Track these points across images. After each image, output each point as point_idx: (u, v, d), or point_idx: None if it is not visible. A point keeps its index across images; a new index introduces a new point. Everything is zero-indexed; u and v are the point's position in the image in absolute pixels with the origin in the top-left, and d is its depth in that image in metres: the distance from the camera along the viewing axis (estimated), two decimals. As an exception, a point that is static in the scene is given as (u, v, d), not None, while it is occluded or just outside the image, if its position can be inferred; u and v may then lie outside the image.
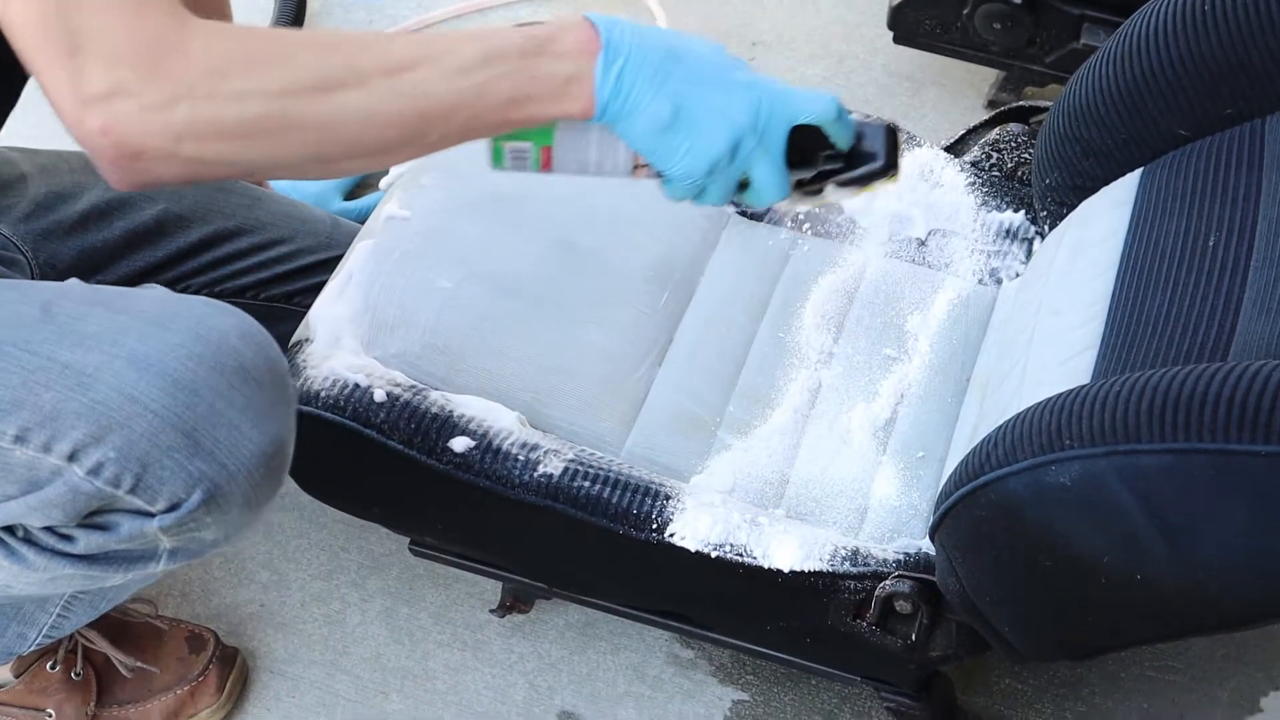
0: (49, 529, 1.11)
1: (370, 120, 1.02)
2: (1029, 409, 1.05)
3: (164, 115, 0.96)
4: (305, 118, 1.00)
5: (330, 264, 1.46)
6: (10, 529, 1.12)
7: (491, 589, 1.48)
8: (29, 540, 1.12)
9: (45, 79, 0.97)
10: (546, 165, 1.13)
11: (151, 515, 1.09)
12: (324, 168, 1.06)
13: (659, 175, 1.13)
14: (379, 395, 1.24)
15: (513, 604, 1.45)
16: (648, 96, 1.06)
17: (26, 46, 0.97)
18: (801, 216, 1.44)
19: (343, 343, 1.29)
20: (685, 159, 1.09)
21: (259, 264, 1.48)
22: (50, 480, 1.07)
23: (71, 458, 1.06)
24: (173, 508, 1.08)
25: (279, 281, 1.48)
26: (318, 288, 1.43)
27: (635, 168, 1.14)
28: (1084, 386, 1.03)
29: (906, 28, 1.87)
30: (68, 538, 1.11)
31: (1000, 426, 1.06)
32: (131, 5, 0.96)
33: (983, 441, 1.07)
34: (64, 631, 1.33)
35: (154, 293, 1.17)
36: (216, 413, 1.07)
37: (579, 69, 1.05)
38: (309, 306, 1.36)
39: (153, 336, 1.08)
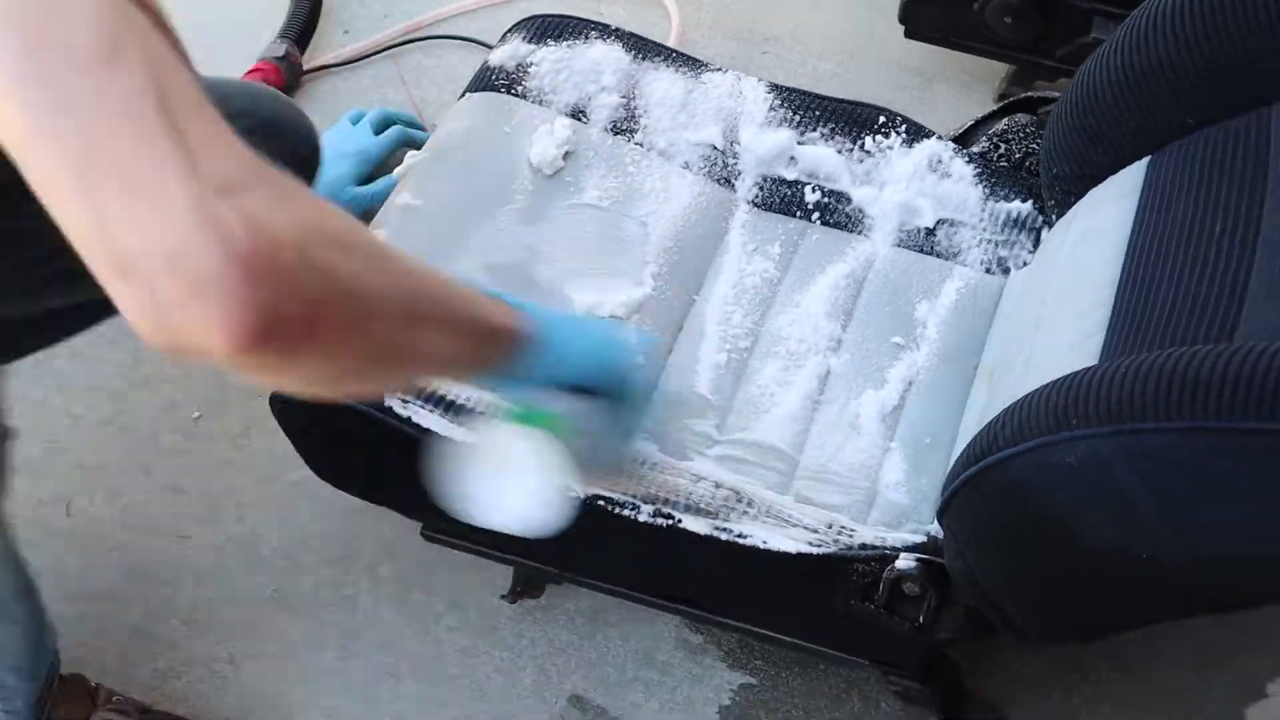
0: None
1: (430, 278, 0.94)
2: (1035, 390, 1.06)
3: (293, 214, 0.80)
4: (384, 250, 0.92)
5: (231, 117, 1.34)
6: None
7: (503, 574, 1.49)
8: None
9: (142, 189, 0.76)
10: None
11: None
12: (411, 330, 0.92)
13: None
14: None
15: (524, 589, 1.46)
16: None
17: (115, 164, 0.76)
18: (811, 206, 1.45)
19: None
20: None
21: None
22: None
23: None
24: None
25: None
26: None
27: None
28: (1090, 368, 1.03)
29: (918, 22, 1.88)
30: None
31: (1008, 408, 1.07)
32: (216, 113, 0.81)
33: (990, 423, 1.08)
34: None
35: None
36: None
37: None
38: None
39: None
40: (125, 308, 0.76)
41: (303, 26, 2.07)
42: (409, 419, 1.24)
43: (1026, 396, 1.06)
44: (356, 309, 0.85)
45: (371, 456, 1.31)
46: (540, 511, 1.03)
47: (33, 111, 0.76)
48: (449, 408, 1.25)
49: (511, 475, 1.03)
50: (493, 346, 1.01)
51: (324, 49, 2.08)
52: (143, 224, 0.75)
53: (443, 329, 0.95)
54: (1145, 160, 1.31)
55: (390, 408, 1.24)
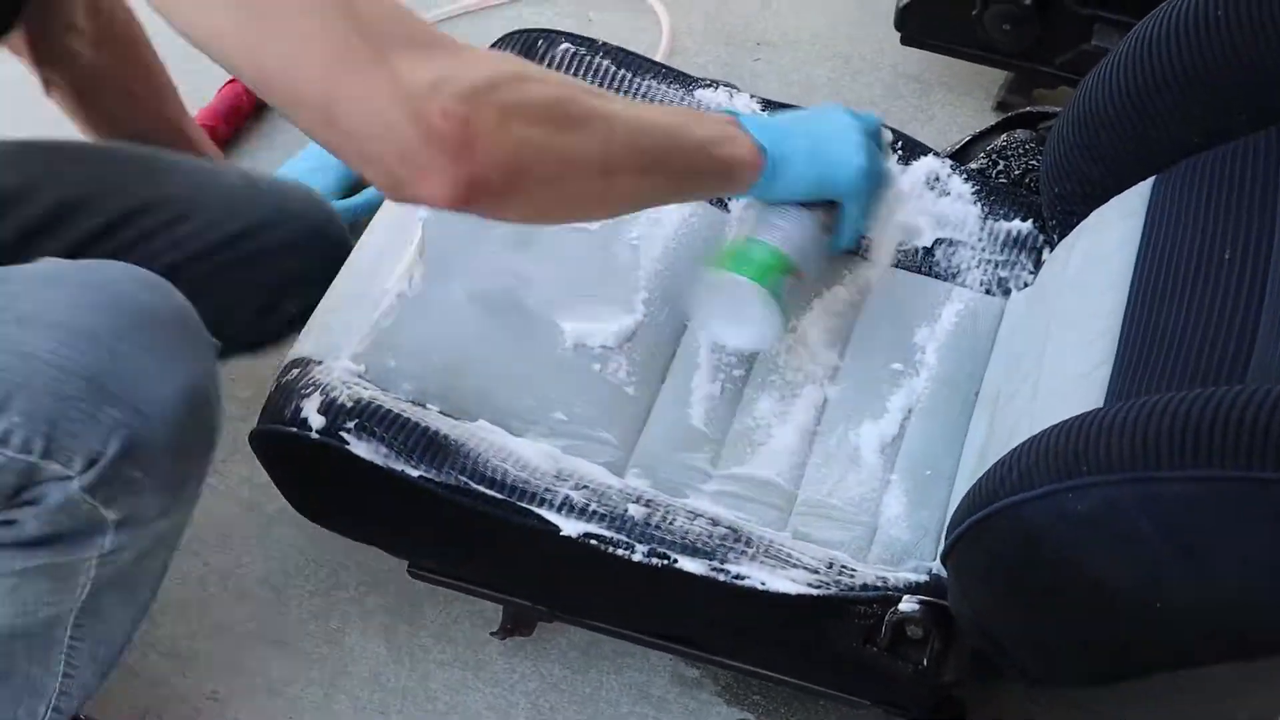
0: None
1: (634, 124, 1.10)
2: (1044, 432, 1.02)
3: (489, 95, 0.97)
4: (592, 108, 1.06)
5: (247, 235, 1.38)
6: None
7: (493, 609, 1.45)
8: None
9: (355, 92, 0.93)
10: (799, 275, 1.29)
11: (71, 478, 1.04)
12: (605, 179, 1.09)
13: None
14: (376, 414, 1.21)
15: (514, 627, 1.43)
16: (786, 141, 1.25)
17: (313, 72, 0.94)
18: None
19: (341, 356, 1.27)
20: (843, 177, 1.27)
21: (170, 244, 1.36)
22: None
23: None
24: (91, 463, 1.04)
25: (195, 260, 1.37)
26: (238, 262, 1.37)
27: (825, 232, 1.31)
28: (1101, 410, 1.00)
29: (914, 28, 1.84)
30: (9, 523, 1.07)
31: (1014, 450, 1.04)
32: (408, 12, 0.99)
33: (996, 465, 1.05)
34: (72, 701, 1.27)
35: (40, 263, 1.11)
36: (119, 355, 1.03)
37: (736, 131, 1.23)
38: (235, 282, 1.32)
39: (39, 293, 1.05)
40: (371, 181, 0.99)
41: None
42: (394, 457, 1.21)
43: (1034, 439, 1.03)
44: (552, 171, 1.03)
45: (354, 494, 1.27)
46: (752, 335, 1.30)
47: (245, 38, 0.93)
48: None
49: (731, 307, 1.27)
50: (714, 182, 1.24)
51: (306, 57, 2.04)
52: (368, 131, 0.94)
53: (650, 175, 1.13)
54: (1150, 180, 1.27)
55: (374, 444, 1.21)
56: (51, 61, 1.48)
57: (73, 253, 1.31)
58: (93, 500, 1.06)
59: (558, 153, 1.03)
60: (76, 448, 1.03)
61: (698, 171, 1.20)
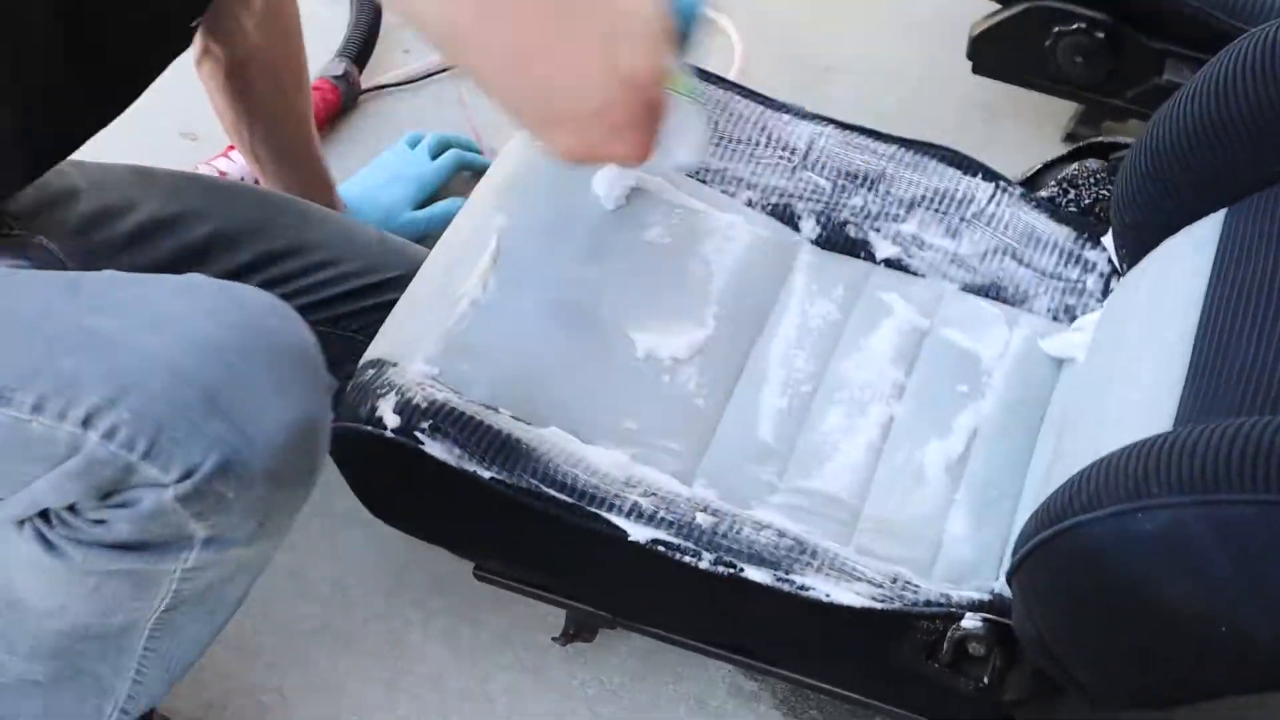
0: (81, 515, 1.08)
1: None
2: (1112, 454, 1.03)
3: (659, 69, 1.00)
4: None
5: (377, 288, 1.46)
6: (47, 522, 1.10)
7: (554, 613, 1.47)
8: (65, 526, 1.09)
9: (575, 67, 0.96)
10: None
11: (166, 486, 1.05)
12: None
13: None
14: (451, 415, 1.24)
15: (577, 632, 1.44)
16: None
17: (534, 44, 0.96)
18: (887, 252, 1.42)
19: (415, 359, 1.29)
20: None
21: (306, 287, 1.46)
22: (68, 452, 1.04)
23: (86, 423, 1.02)
24: (187, 474, 1.04)
25: (326, 305, 1.47)
26: (363, 312, 1.42)
27: None
28: (1170, 433, 1.01)
29: (986, 57, 1.86)
30: (101, 522, 1.08)
31: (1082, 471, 1.05)
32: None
33: (1064, 485, 1.06)
34: (138, 704, 1.28)
35: (183, 276, 1.14)
36: (237, 373, 1.04)
37: None
38: (354, 332, 1.34)
39: (179, 298, 1.06)
40: (558, 145, 1.01)
41: (361, 45, 2.06)
42: (466, 458, 1.23)
43: (1102, 460, 1.03)
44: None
45: (424, 495, 1.29)
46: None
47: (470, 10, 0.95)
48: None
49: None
50: None
51: (383, 68, 2.07)
52: (574, 95, 0.97)
53: None
54: (1222, 211, 1.28)
55: (448, 445, 1.23)
56: (216, 31, 1.55)
57: None
58: (184, 511, 1.07)
59: None
60: (176, 455, 1.03)
61: None
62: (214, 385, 1.03)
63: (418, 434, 1.23)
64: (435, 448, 1.23)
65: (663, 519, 1.22)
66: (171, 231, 1.41)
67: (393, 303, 1.38)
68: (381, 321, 1.37)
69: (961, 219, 1.44)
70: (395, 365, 1.29)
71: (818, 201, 1.44)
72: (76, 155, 1.38)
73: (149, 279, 1.12)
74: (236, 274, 1.42)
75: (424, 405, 1.24)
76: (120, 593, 1.16)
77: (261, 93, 1.61)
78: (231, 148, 1.87)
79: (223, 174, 1.85)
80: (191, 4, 1.35)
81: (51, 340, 1.05)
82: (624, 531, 1.21)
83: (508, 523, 1.26)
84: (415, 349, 1.31)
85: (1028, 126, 1.96)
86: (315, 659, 1.53)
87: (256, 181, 1.73)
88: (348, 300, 1.48)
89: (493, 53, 0.97)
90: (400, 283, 1.41)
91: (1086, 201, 1.49)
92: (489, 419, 1.25)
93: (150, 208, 1.42)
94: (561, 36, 0.96)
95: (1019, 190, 1.46)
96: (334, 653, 1.53)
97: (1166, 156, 1.32)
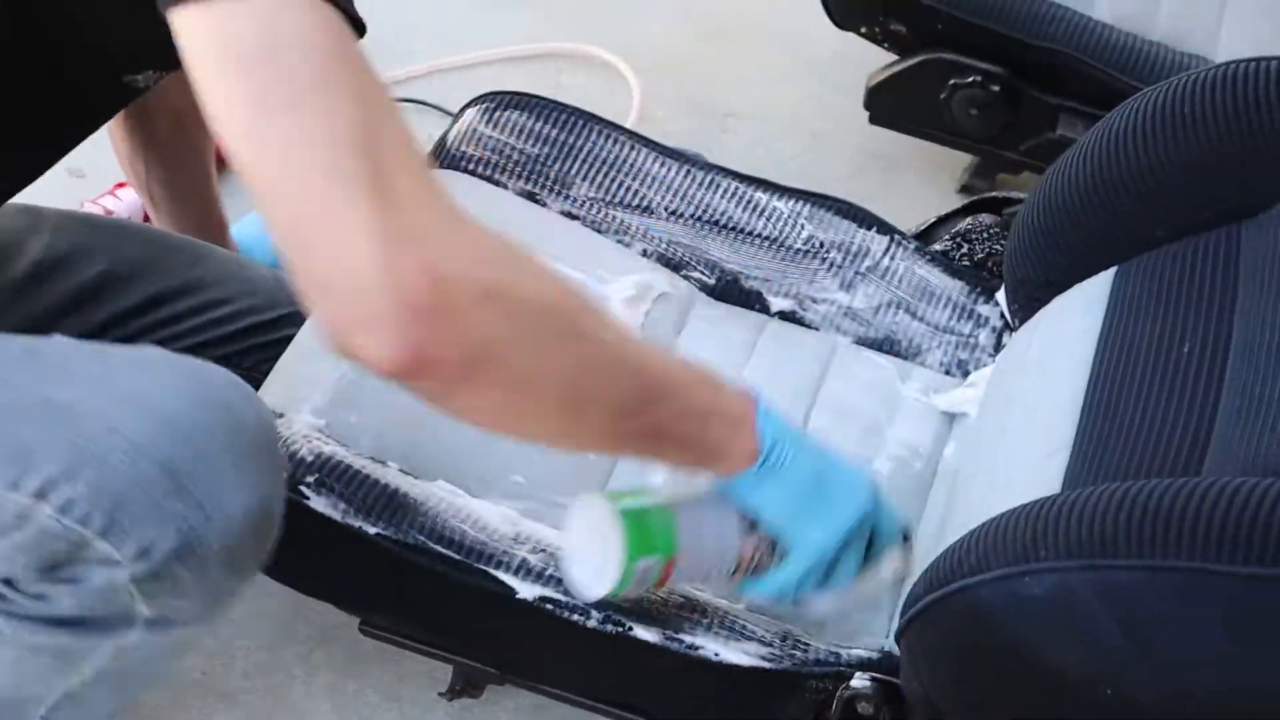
0: (19, 588, 1.04)
1: (620, 362, 0.99)
2: (1001, 515, 1.03)
3: (478, 269, 0.86)
4: (583, 327, 0.95)
5: (273, 324, 1.42)
6: None
7: (441, 669, 1.44)
8: (0, 599, 1.05)
9: (334, 219, 0.82)
10: (666, 577, 1.12)
11: (121, 564, 1.01)
12: (571, 405, 0.97)
13: (759, 570, 1.13)
14: (336, 469, 1.21)
15: (464, 688, 1.42)
16: (793, 453, 1.08)
17: (300, 189, 0.83)
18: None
19: (303, 410, 1.27)
20: (822, 528, 1.10)
21: (200, 325, 1.42)
22: (16, 523, 1.00)
23: (40, 494, 0.99)
24: (144, 553, 1.00)
25: (221, 343, 1.43)
26: (260, 348, 1.39)
27: (736, 570, 1.13)
28: (1058, 495, 1.01)
29: (883, 108, 1.87)
30: (40, 597, 1.04)
31: (972, 532, 1.04)
32: (423, 160, 0.89)
33: (953, 546, 1.05)
34: None
35: (143, 348, 1.11)
36: (201, 453, 1.01)
37: (744, 415, 1.08)
38: (249, 369, 1.31)
39: (140, 374, 1.03)
40: (317, 315, 0.86)
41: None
42: (350, 513, 1.20)
43: (992, 521, 1.03)
44: (515, 376, 0.91)
45: (317, 554, 1.26)
46: (589, 586, 1.13)
47: (249, 136, 0.83)
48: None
49: (585, 544, 1.12)
50: (688, 456, 1.07)
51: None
52: (332, 258, 0.83)
53: (626, 420, 1.00)
54: (1112, 270, 1.29)
55: (331, 499, 1.20)
56: None
57: (112, 322, 1.36)
58: (135, 591, 1.03)
59: (529, 359, 0.91)
60: (134, 533, 1.00)
61: (677, 437, 1.05)
62: (175, 461, 1.00)
63: (302, 488, 1.20)
64: (320, 503, 1.20)
65: (551, 576, 1.20)
66: (65, 272, 1.37)
67: (288, 339, 1.36)
68: (278, 357, 1.34)
69: (856, 272, 1.44)
70: (282, 416, 1.27)
71: (712, 254, 1.44)
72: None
73: (108, 350, 1.09)
74: (129, 313, 1.38)
75: (309, 459, 1.22)
76: (41, 667, 1.11)
77: (162, 130, 1.57)
78: (120, 185, 1.83)
79: (110, 212, 1.81)
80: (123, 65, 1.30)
81: (6, 408, 1.01)
82: (512, 589, 1.19)
83: (394, 579, 1.23)
84: (302, 400, 1.28)
85: (924, 177, 1.97)
86: (195, 714, 1.49)
87: (146, 219, 1.69)
88: (243, 337, 1.44)
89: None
90: (295, 319, 1.38)
91: (980, 256, 1.50)
92: (376, 473, 1.23)
93: (39, 246, 1.38)
94: (339, 184, 0.82)
95: (913, 244, 1.46)
96: (215, 708, 1.50)
97: (1058, 213, 1.33)
